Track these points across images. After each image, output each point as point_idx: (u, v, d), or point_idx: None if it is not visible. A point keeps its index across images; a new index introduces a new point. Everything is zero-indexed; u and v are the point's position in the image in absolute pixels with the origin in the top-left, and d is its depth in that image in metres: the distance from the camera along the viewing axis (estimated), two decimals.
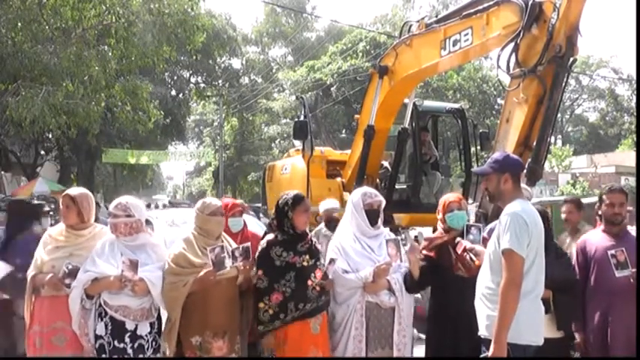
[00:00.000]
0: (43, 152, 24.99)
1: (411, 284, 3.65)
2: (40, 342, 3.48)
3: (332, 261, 3.50)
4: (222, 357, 3.39)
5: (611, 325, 3.63)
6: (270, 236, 3.68)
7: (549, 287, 3.41)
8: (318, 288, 3.49)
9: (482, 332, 2.98)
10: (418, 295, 4.76)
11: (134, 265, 3.33)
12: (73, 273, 3.38)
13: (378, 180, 7.22)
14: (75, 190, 3.71)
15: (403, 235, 6.37)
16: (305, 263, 3.55)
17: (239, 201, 4.64)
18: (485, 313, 2.97)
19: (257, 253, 3.61)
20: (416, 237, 6.94)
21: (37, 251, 3.64)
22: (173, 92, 29.79)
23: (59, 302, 3.46)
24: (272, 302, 3.44)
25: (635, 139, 28.89)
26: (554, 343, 3.46)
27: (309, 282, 3.48)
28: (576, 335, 3.86)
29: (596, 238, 3.89)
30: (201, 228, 3.61)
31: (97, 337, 3.38)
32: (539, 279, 2.97)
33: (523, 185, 3.75)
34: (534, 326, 2.93)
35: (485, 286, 3.01)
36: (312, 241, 3.69)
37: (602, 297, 3.68)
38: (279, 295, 3.45)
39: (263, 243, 3.65)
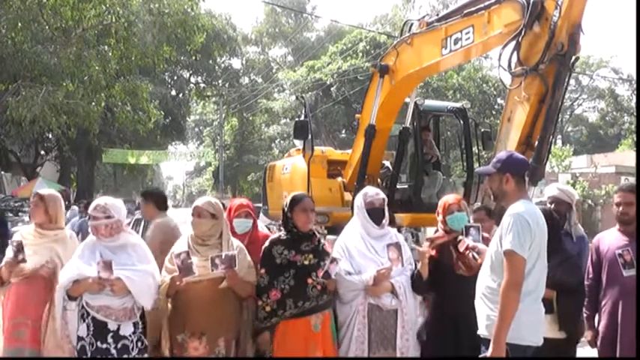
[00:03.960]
0: (43, 152, 25.06)
1: (420, 285, 3.64)
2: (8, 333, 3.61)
3: (334, 260, 3.49)
4: (204, 357, 3.37)
5: (620, 325, 3.60)
6: (275, 235, 3.73)
7: (552, 288, 3.40)
8: (319, 286, 3.49)
9: (482, 332, 2.97)
10: None
11: (108, 266, 3.34)
12: (20, 249, 3.53)
13: (379, 180, 7.18)
14: (45, 191, 3.95)
15: (406, 235, 6.34)
16: (306, 262, 3.55)
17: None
18: (485, 312, 2.97)
19: (261, 253, 3.63)
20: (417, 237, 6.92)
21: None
22: (173, 92, 29.79)
23: (23, 295, 3.57)
24: (270, 299, 3.48)
25: (635, 139, 28.89)
26: (555, 343, 3.44)
27: (310, 280, 3.48)
28: (587, 334, 3.85)
29: (610, 237, 3.83)
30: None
31: (79, 339, 3.39)
32: (540, 280, 2.95)
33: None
34: (535, 327, 2.92)
35: (486, 285, 3.00)
36: (319, 241, 3.67)
37: (611, 296, 3.65)
38: (277, 292, 3.48)
39: (267, 242, 3.67)
